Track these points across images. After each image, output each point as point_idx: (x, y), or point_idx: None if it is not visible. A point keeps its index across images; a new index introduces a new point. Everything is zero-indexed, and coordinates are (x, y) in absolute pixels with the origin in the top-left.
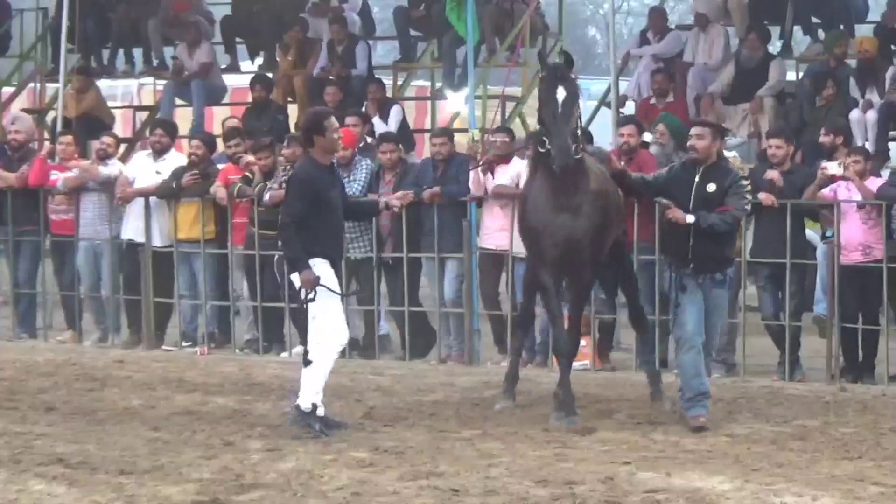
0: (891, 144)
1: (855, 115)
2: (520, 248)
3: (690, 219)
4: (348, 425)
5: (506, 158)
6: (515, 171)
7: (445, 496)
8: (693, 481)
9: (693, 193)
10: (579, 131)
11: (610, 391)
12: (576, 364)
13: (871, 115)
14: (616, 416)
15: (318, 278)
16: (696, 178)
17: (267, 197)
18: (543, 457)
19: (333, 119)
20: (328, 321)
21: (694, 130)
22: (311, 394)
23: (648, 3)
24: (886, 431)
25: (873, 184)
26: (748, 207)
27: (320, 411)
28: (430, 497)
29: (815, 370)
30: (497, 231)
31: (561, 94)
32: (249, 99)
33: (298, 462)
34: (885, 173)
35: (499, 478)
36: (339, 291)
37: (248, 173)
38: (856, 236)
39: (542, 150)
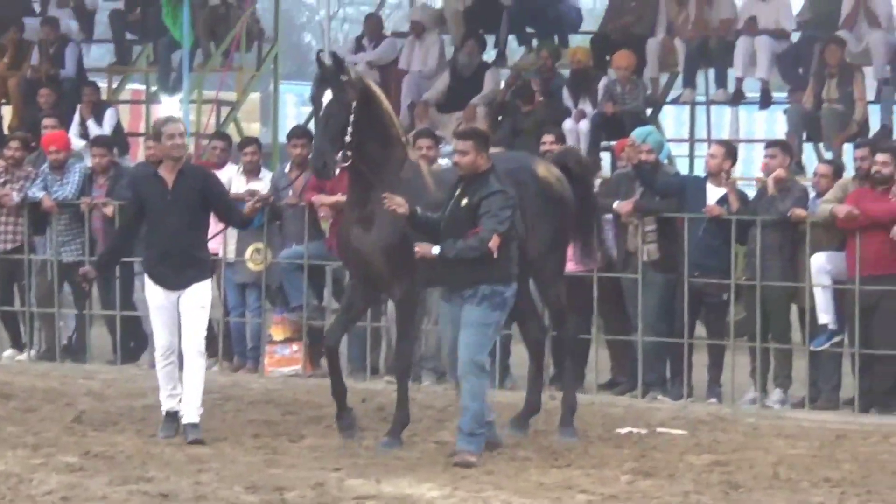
0: (603, 154)
1: (568, 124)
2: (231, 252)
3: (436, 250)
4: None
5: (218, 164)
6: (227, 178)
7: (155, 501)
8: (403, 488)
9: (449, 208)
10: (349, 137)
11: (320, 397)
12: (286, 370)
13: (584, 125)
14: (326, 422)
15: (81, 277)
16: (457, 192)
17: None
18: (253, 463)
19: (169, 125)
20: (153, 332)
21: (457, 146)
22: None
23: (364, 10)
24: (595, 439)
25: None
26: (502, 226)
27: (167, 408)
28: (139, 502)
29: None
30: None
31: (327, 97)
32: None
33: (7, 466)
34: (597, 183)
35: (209, 483)
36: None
37: None
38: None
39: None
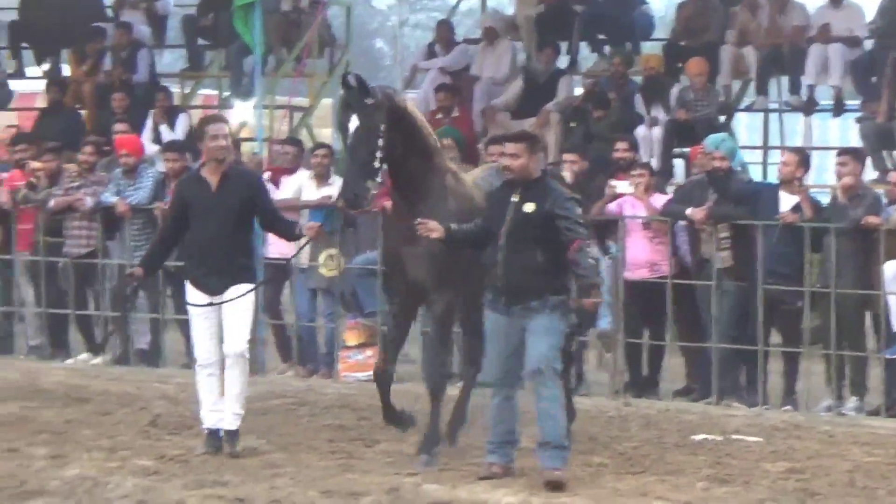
0: (675, 161)
1: (641, 131)
2: (304, 258)
3: (600, 298)
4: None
5: (290, 170)
6: (298, 183)
7: None
8: (478, 493)
9: (510, 215)
10: (377, 164)
11: (395, 402)
12: (360, 375)
13: (657, 132)
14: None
15: (128, 278)
16: (515, 198)
17: (52, 203)
18: (328, 467)
19: (214, 125)
20: (193, 340)
21: (508, 149)
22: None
23: (436, 17)
24: (670, 446)
25: (658, 200)
26: (585, 231)
27: (209, 425)
28: None
29: (599, 385)
30: (279, 240)
31: (354, 123)
32: (35, 104)
33: (83, 469)
34: (670, 190)
35: (284, 488)
36: (200, 303)
37: (33, 179)
38: (642, 253)
39: None
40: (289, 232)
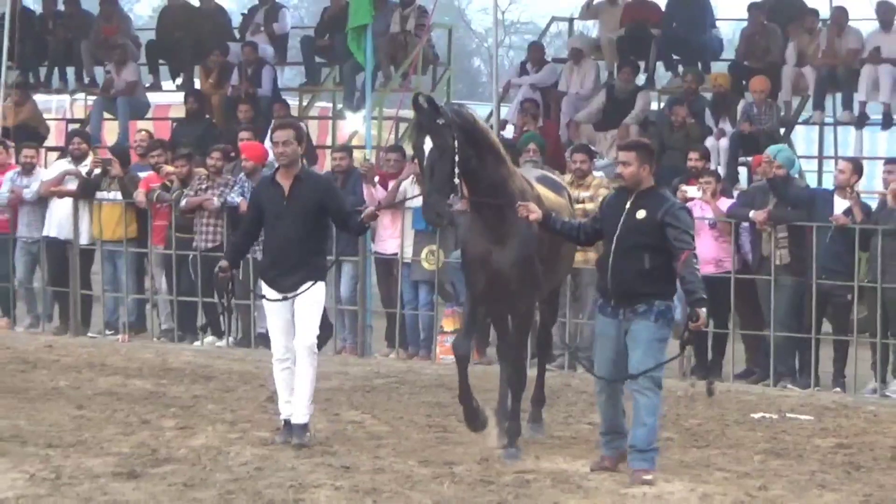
0: (740, 169)
1: (710, 142)
2: (408, 253)
3: (703, 313)
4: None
5: (396, 174)
6: (403, 187)
7: (338, 473)
8: (559, 464)
9: (622, 220)
10: (456, 180)
11: (486, 382)
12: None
13: (724, 143)
14: (491, 405)
15: (218, 272)
16: (627, 205)
17: (183, 203)
18: (426, 439)
19: (278, 132)
20: (270, 335)
21: (620, 157)
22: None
23: (528, 39)
24: (731, 423)
25: (724, 204)
26: (693, 241)
27: (285, 416)
28: (323, 473)
29: (668, 368)
30: (388, 238)
31: (428, 144)
32: (169, 114)
33: (208, 439)
34: (735, 194)
35: (386, 457)
36: (274, 298)
37: (167, 181)
38: (709, 251)
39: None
40: (361, 229)
